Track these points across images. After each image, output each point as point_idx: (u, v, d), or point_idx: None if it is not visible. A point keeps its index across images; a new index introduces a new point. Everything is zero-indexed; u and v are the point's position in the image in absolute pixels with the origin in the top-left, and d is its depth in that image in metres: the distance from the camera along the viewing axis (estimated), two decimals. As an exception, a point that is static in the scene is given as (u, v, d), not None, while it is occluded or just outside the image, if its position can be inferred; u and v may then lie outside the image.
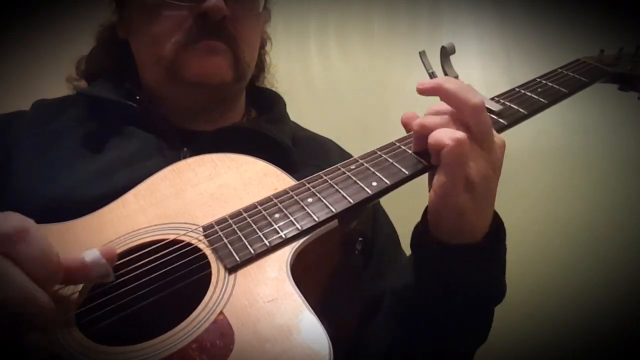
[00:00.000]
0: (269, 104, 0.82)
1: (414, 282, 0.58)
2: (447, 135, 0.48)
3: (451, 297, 0.55)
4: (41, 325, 0.40)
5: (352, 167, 0.54)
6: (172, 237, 0.51)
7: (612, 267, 1.09)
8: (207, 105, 0.73)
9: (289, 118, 0.83)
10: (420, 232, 0.57)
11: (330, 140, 0.85)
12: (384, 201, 0.80)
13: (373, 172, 0.52)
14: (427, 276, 0.56)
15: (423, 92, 0.54)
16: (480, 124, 0.50)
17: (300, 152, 0.74)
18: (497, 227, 0.55)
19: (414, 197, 0.61)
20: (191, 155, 0.61)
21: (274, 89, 0.87)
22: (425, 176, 0.55)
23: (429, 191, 0.54)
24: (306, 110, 1.00)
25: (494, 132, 0.53)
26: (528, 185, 1.16)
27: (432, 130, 0.50)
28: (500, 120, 0.57)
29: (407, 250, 0.76)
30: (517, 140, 1.16)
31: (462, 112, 0.51)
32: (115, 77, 0.76)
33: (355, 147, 0.58)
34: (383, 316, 0.64)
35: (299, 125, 0.85)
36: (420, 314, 0.58)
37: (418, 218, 0.58)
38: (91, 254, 0.44)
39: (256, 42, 0.76)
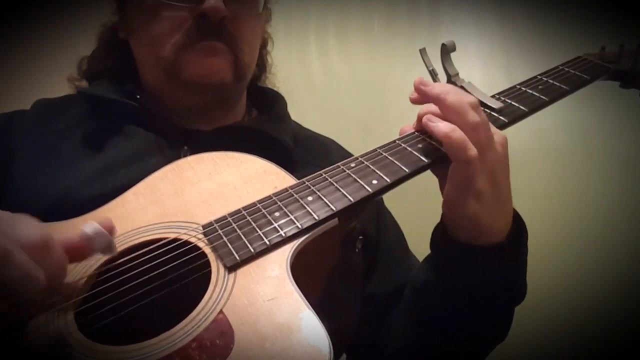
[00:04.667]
0: (270, 104, 0.82)
1: (433, 280, 0.58)
2: (464, 148, 0.49)
3: (471, 296, 0.55)
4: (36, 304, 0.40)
5: (352, 165, 0.54)
6: (171, 235, 0.51)
7: (613, 266, 1.09)
8: (207, 106, 0.73)
9: (290, 118, 0.83)
10: (440, 232, 0.56)
11: (332, 140, 0.85)
12: (388, 202, 0.80)
13: (373, 170, 0.52)
14: (446, 275, 0.56)
15: (415, 101, 0.55)
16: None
17: (301, 152, 0.74)
18: (518, 227, 0.55)
19: (416, 199, 0.60)
20: (191, 154, 0.61)
21: (275, 89, 0.87)
22: (428, 174, 0.55)
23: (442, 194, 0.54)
24: (306, 110, 1.00)
25: (495, 129, 0.53)
26: (528, 185, 1.15)
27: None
28: (501, 117, 0.57)
29: (414, 249, 0.76)
30: (517, 140, 1.16)
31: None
32: (116, 77, 0.76)
33: (356, 147, 0.58)
34: (402, 312, 0.64)
35: (300, 125, 0.85)
36: (439, 311, 0.58)
37: (422, 218, 0.58)
38: (91, 226, 0.45)
39: (256, 42, 0.76)
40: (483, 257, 0.53)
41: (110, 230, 0.46)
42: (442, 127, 0.50)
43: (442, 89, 0.52)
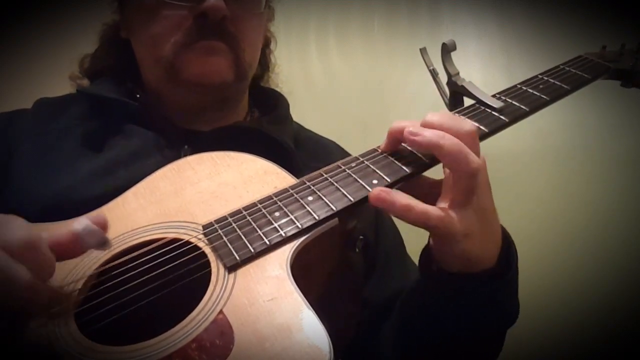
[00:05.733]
0: (273, 105, 0.81)
1: (422, 302, 0.57)
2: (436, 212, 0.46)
3: (460, 323, 0.53)
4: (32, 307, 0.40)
5: (353, 164, 0.54)
6: (171, 235, 0.51)
7: (613, 267, 1.09)
8: (208, 106, 0.73)
9: (292, 119, 0.82)
10: (426, 258, 0.55)
11: (333, 142, 0.85)
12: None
13: (374, 170, 0.52)
14: (434, 300, 0.55)
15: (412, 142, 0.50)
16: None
17: (302, 154, 0.74)
18: (508, 249, 0.53)
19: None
20: (192, 154, 0.61)
21: (278, 89, 0.87)
22: (429, 173, 0.54)
23: None
24: (306, 110, 1.00)
25: None
26: (528, 185, 1.15)
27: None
28: (502, 117, 0.57)
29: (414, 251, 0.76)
30: (517, 140, 1.16)
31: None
32: (117, 76, 0.76)
33: (356, 147, 0.58)
34: (391, 328, 0.64)
35: (301, 126, 0.84)
36: (426, 334, 0.57)
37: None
38: (82, 222, 0.44)
39: (258, 42, 0.76)
40: (473, 286, 0.51)
41: (103, 225, 0.45)
42: (419, 210, 0.46)
43: (439, 136, 0.47)
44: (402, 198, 0.47)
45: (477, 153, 0.48)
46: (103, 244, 0.45)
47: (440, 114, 0.50)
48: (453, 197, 0.48)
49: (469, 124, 0.49)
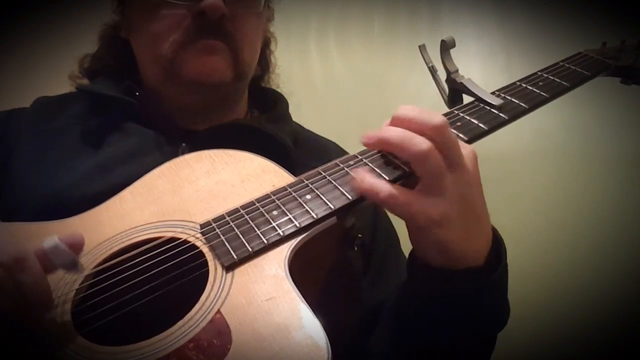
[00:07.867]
0: (272, 104, 0.81)
1: (409, 302, 0.56)
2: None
3: (446, 324, 0.52)
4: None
5: (351, 163, 0.53)
6: (169, 234, 0.50)
7: (613, 267, 1.08)
8: (206, 105, 0.73)
9: (291, 118, 0.82)
10: (414, 255, 0.54)
11: (332, 142, 0.84)
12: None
13: (372, 169, 0.52)
14: (420, 299, 0.54)
15: (369, 146, 0.52)
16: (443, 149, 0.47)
17: (300, 153, 0.73)
18: (497, 249, 0.52)
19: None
20: (189, 152, 0.61)
21: (279, 90, 0.86)
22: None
23: None
24: (306, 110, 1.00)
25: (462, 144, 0.50)
26: (528, 185, 1.15)
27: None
28: (501, 114, 0.57)
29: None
30: (517, 140, 1.16)
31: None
32: (117, 75, 0.77)
33: (356, 147, 0.58)
34: (381, 331, 0.63)
35: (301, 126, 0.84)
36: (412, 337, 0.56)
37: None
38: (50, 241, 0.42)
39: (257, 41, 0.76)
40: (457, 283, 0.49)
41: (76, 245, 0.43)
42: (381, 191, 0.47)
43: (383, 130, 0.49)
44: (369, 177, 0.48)
45: (450, 142, 0.47)
46: (71, 266, 0.42)
47: (411, 107, 0.50)
48: (422, 183, 0.47)
49: (437, 116, 0.48)
